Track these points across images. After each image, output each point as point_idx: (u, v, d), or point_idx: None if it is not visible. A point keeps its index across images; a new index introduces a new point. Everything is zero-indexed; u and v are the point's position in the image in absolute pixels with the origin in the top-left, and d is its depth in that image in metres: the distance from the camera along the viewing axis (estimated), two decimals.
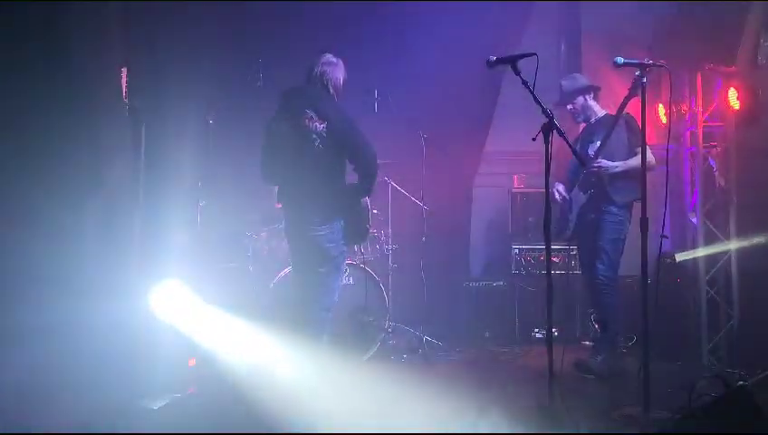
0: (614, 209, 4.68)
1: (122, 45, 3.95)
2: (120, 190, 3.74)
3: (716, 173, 5.41)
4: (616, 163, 4.63)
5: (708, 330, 5.21)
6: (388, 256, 5.84)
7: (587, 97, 4.92)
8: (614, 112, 4.52)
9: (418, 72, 6.05)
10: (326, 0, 5.83)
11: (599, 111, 4.94)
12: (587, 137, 4.91)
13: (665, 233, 3.87)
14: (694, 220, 5.46)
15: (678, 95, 5.37)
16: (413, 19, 5.99)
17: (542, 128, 3.56)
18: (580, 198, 4.84)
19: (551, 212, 3.66)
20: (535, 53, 3.45)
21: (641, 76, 3.76)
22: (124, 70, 4.17)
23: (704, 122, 5.40)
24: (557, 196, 4.96)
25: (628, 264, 4.76)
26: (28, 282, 3.22)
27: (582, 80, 5.02)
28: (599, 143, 4.64)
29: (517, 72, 3.52)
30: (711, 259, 5.33)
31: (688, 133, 5.53)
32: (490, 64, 3.60)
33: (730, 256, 5.27)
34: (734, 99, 5.14)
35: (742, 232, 5.24)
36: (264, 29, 6.05)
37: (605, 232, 4.69)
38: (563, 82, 4.97)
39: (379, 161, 5.78)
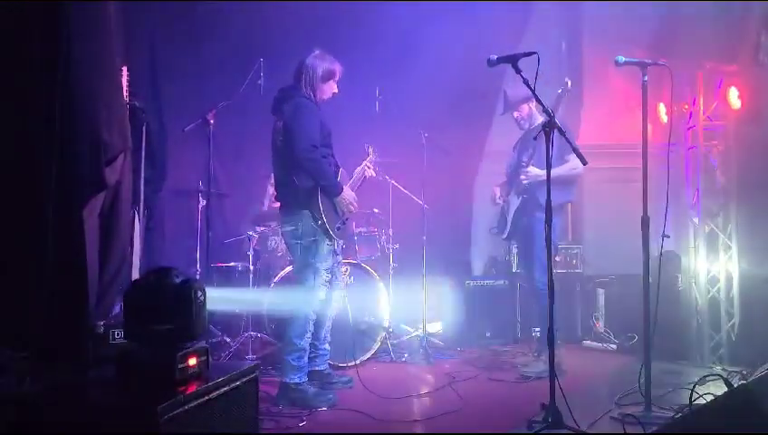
0: (543, 215, 4.64)
1: (122, 45, 3.94)
2: (121, 191, 3.74)
3: (717, 172, 5.40)
4: (538, 171, 4.67)
5: (709, 329, 5.20)
6: (388, 256, 5.84)
7: (530, 104, 4.93)
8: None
9: (420, 72, 6.05)
10: (328, 0, 5.83)
11: (537, 118, 4.94)
12: (525, 143, 4.95)
13: (666, 232, 3.87)
14: (695, 219, 5.45)
15: (679, 94, 5.35)
16: (414, 18, 5.99)
17: (543, 126, 3.58)
18: (515, 201, 4.96)
19: (551, 212, 3.67)
20: (536, 52, 3.46)
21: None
22: (125, 69, 4.16)
23: (705, 121, 5.39)
24: (497, 199, 5.12)
25: (629, 263, 4.76)
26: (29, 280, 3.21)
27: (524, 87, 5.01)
28: (532, 150, 4.70)
29: (518, 71, 3.53)
30: (712, 258, 5.32)
31: (689, 132, 5.51)
32: (491, 63, 3.61)
33: (732, 255, 5.26)
34: (734, 97, 5.13)
35: (743, 231, 5.23)
36: (266, 28, 6.05)
37: (536, 238, 4.72)
38: (508, 91, 4.96)
39: (380, 160, 5.82)
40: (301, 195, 4.13)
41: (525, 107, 4.92)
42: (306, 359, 4.22)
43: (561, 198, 4.82)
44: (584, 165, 4.00)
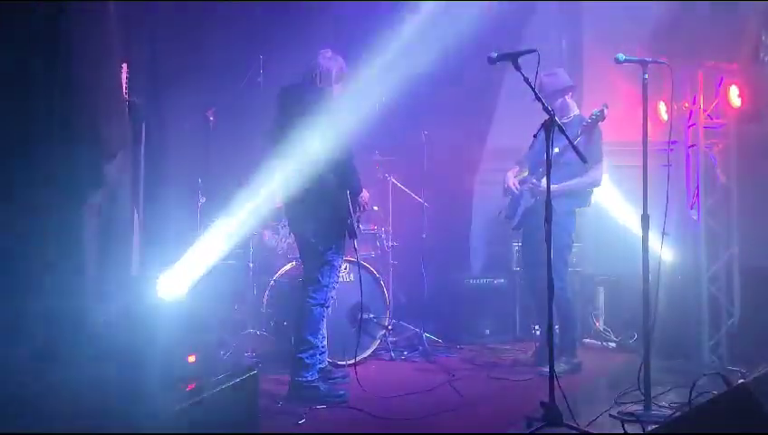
0: (555, 218, 4.59)
1: (122, 42, 3.93)
2: (120, 188, 3.73)
3: (717, 170, 5.40)
4: (554, 187, 4.38)
5: (709, 327, 5.20)
6: (388, 253, 5.83)
7: (566, 97, 4.90)
8: (586, 114, 4.61)
9: (420, 69, 6.04)
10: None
11: (573, 109, 4.92)
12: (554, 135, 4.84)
13: (665, 230, 3.88)
14: (695, 217, 5.45)
15: (679, 92, 5.35)
16: (414, 16, 5.98)
17: (543, 125, 3.58)
18: (528, 197, 4.92)
19: (552, 209, 3.66)
20: (536, 50, 3.46)
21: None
22: (124, 66, 4.15)
23: (705, 119, 5.38)
24: (510, 185, 5.02)
25: (629, 261, 4.76)
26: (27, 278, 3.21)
27: (564, 78, 4.96)
28: (556, 150, 4.52)
29: (518, 69, 3.54)
30: (713, 256, 5.32)
31: (689, 130, 5.51)
32: (491, 61, 3.62)
33: (731, 253, 5.26)
34: (735, 96, 5.12)
35: (743, 229, 5.23)
36: (266, 26, 6.04)
37: (555, 242, 4.63)
38: (544, 79, 4.79)
39: (380, 158, 5.83)
40: (329, 193, 4.12)
41: (560, 100, 4.84)
42: (317, 356, 4.24)
43: (578, 204, 4.92)
44: (584, 163, 4.00)
